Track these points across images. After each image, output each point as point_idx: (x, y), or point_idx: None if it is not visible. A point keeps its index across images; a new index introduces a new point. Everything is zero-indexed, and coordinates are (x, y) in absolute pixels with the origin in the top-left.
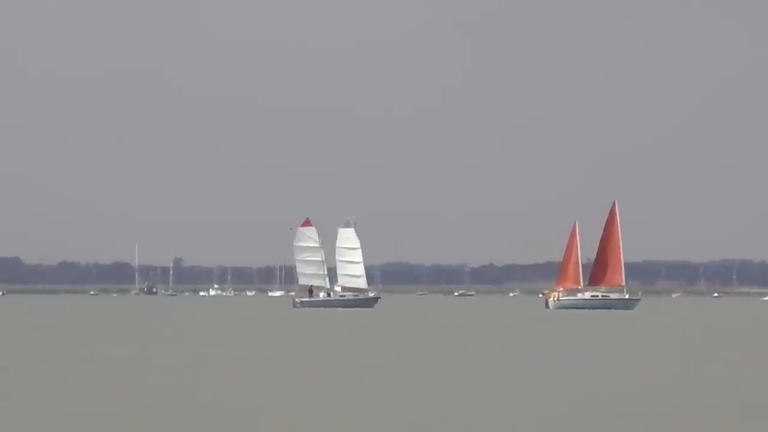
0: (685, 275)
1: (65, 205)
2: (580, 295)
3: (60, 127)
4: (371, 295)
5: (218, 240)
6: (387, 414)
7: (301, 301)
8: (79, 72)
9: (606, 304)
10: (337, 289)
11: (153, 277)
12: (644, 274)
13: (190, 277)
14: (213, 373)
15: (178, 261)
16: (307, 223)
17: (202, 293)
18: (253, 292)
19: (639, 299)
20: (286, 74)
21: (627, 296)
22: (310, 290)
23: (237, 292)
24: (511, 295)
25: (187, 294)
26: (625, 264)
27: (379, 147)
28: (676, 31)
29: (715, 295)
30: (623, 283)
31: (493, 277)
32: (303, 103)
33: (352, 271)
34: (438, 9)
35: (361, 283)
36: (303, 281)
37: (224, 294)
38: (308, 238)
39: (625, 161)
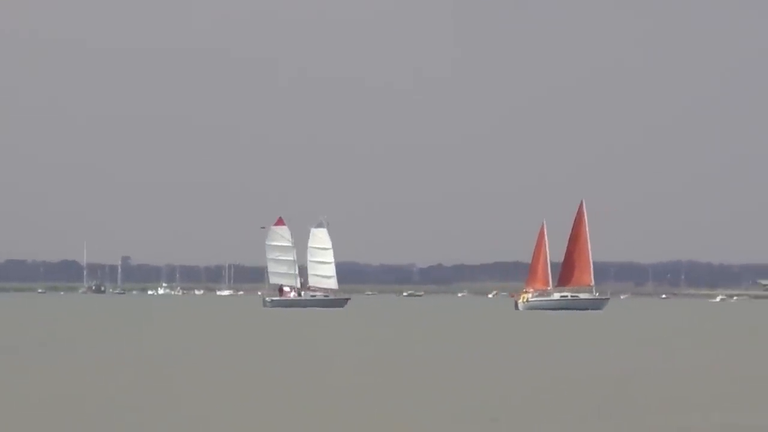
0: (634, 276)
1: (12, 202)
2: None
3: (4, 125)
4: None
5: (166, 238)
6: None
7: (272, 300)
8: (24, 64)
9: (575, 305)
10: (286, 289)
11: (101, 276)
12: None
13: (138, 276)
14: (188, 372)
15: (125, 259)
16: (280, 222)
17: (150, 292)
18: (202, 291)
19: (608, 299)
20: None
21: (597, 295)
22: (281, 289)
23: (185, 291)
24: (459, 295)
25: (135, 292)
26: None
27: (327, 147)
28: (653, 38)
29: (663, 296)
30: (592, 283)
31: (441, 277)
32: (242, 101)
33: (323, 272)
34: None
35: (332, 283)
36: (274, 280)
37: (172, 293)
38: (281, 237)
39: (575, 164)
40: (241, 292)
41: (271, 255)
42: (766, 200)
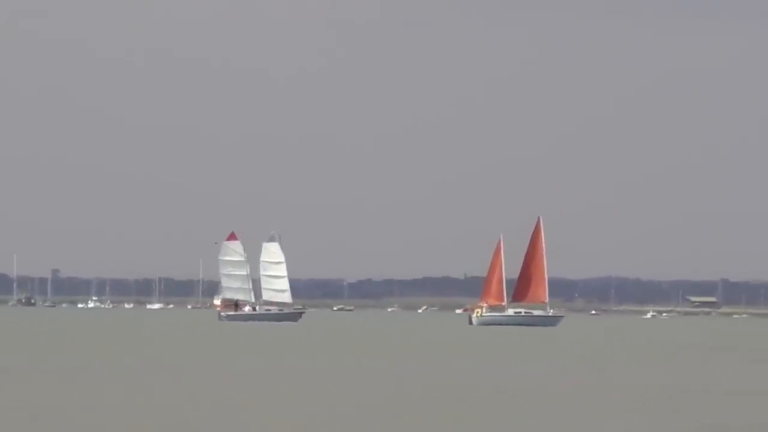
0: (563, 292)
1: None
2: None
3: None
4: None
5: (95, 251)
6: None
7: (227, 315)
8: None
9: (529, 321)
10: (217, 302)
11: (31, 288)
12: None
13: (69, 289)
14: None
15: (55, 272)
16: (232, 236)
17: (80, 305)
18: (131, 305)
19: (562, 316)
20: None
21: (551, 312)
22: (236, 304)
23: (115, 304)
24: (389, 310)
25: (65, 305)
26: (505, 281)
27: (253, 161)
28: (593, 44)
29: (593, 312)
30: (546, 299)
31: (370, 292)
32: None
33: (276, 286)
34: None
35: (286, 297)
36: (228, 295)
37: (102, 306)
38: (234, 252)
39: (508, 177)
40: (171, 306)
41: (224, 270)
42: (693, 217)
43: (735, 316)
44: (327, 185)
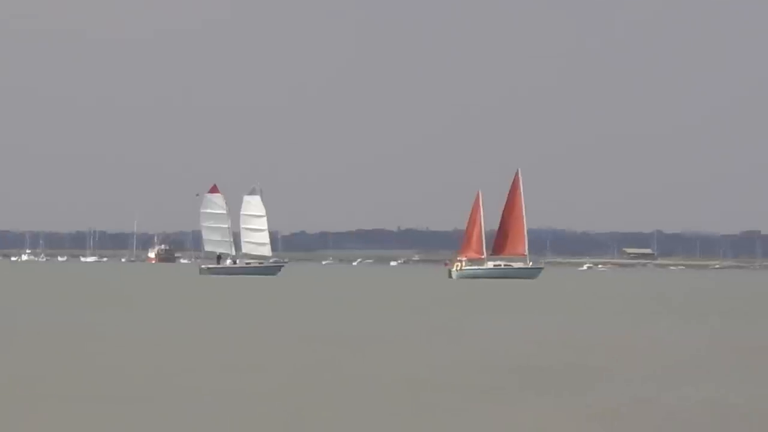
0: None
1: None
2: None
3: None
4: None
5: (29, 205)
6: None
7: (208, 268)
8: None
9: (508, 273)
10: (151, 255)
11: None
12: (457, 244)
13: (2, 242)
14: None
15: None
16: (214, 189)
17: (13, 258)
18: (65, 258)
19: (542, 268)
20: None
21: (530, 264)
22: (219, 257)
23: (48, 258)
24: (323, 263)
25: None
26: (438, 234)
27: (188, 116)
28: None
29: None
30: (526, 252)
31: (304, 245)
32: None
33: (257, 239)
34: None
35: (266, 251)
36: (209, 248)
37: (36, 259)
38: (215, 204)
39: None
40: (105, 259)
41: (205, 223)
42: (627, 169)
43: (672, 267)
44: (264, 139)
